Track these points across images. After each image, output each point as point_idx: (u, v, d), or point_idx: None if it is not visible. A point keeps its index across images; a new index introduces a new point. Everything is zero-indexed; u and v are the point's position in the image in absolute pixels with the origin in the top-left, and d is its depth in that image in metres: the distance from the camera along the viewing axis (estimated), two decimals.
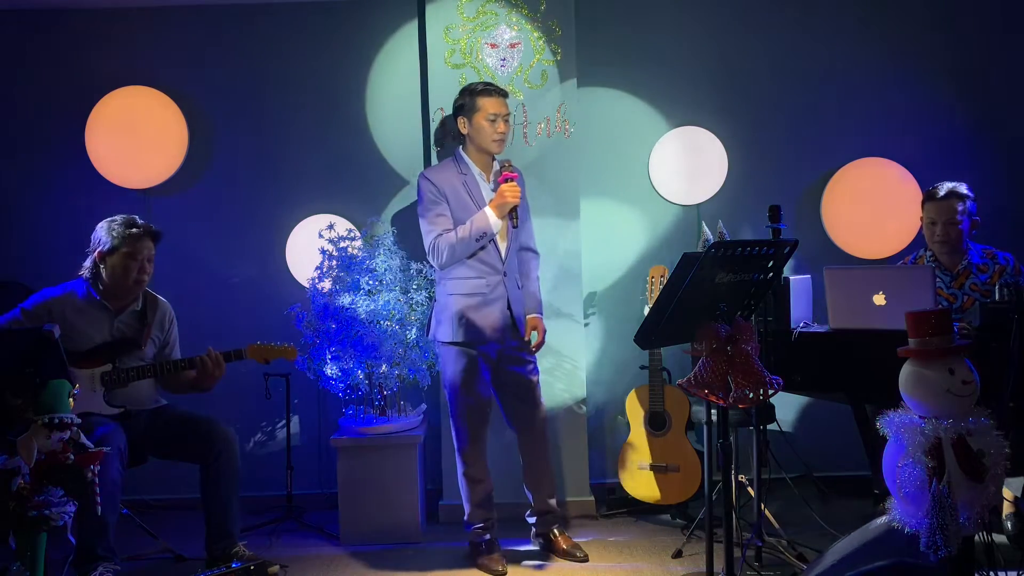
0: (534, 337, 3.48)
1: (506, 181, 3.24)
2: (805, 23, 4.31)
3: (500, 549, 3.40)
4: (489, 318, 3.30)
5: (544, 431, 3.52)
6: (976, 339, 2.69)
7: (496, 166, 3.39)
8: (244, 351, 3.37)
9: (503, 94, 3.39)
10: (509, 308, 3.34)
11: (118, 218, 3.32)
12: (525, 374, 3.43)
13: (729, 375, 2.46)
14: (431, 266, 3.52)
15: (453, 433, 3.44)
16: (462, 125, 3.39)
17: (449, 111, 3.93)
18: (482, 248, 3.29)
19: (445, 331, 3.35)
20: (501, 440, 3.72)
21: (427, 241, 3.32)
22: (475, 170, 3.39)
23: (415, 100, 4.22)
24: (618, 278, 4.25)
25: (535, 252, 3.58)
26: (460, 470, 3.43)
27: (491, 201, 3.29)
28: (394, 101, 4.26)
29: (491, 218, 3.24)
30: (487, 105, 3.32)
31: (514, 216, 3.25)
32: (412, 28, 4.21)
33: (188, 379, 3.40)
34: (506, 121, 3.36)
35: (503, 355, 3.39)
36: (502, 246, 3.35)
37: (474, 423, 3.38)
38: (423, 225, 3.35)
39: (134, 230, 3.28)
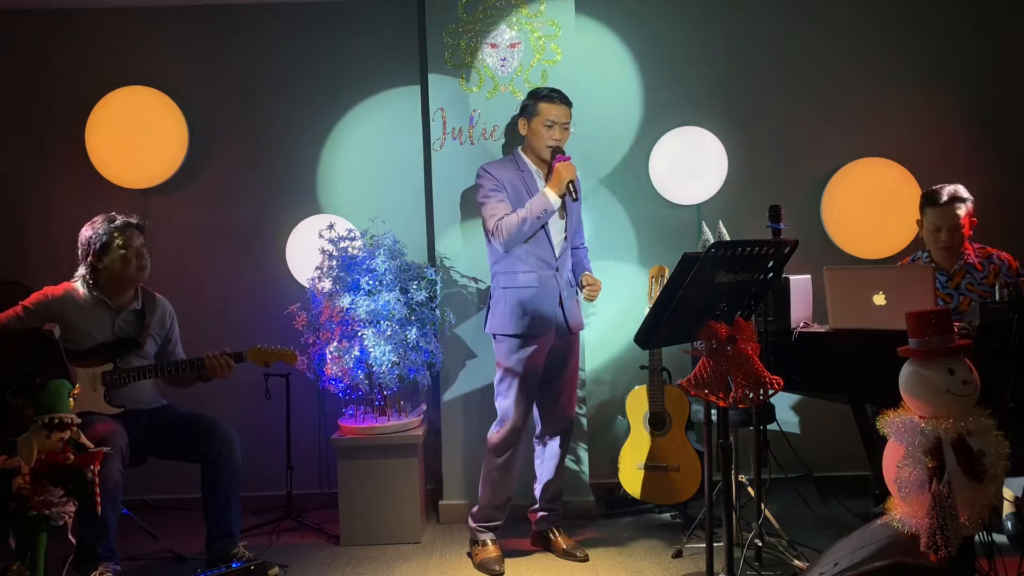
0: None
1: (560, 162, 3.28)
2: (805, 23, 4.31)
3: (500, 549, 3.40)
4: (541, 311, 3.33)
5: (570, 432, 3.54)
6: (976, 339, 2.68)
7: (549, 153, 3.39)
8: (244, 354, 3.37)
9: (566, 102, 3.42)
10: (561, 304, 3.37)
11: (97, 218, 3.36)
12: (567, 373, 3.46)
13: (729, 375, 2.46)
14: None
15: (495, 427, 3.41)
16: (522, 127, 3.45)
17: (448, 111, 3.95)
18: (542, 227, 3.32)
19: (500, 323, 3.37)
20: None
21: (490, 224, 3.35)
22: (532, 168, 3.44)
23: (415, 99, 4.23)
24: (618, 278, 4.25)
25: (585, 247, 3.67)
26: (490, 465, 3.41)
27: (548, 183, 3.31)
28: (394, 101, 4.26)
29: (550, 196, 3.27)
30: (547, 111, 3.36)
31: (571, 190, 3.26)
32: (412, 28, 4.21)
33: (192, 375, 3.41)
34: (564, 129, 3.40)
35: (551, 351, 3.41)
36: (555, 241, 3.38)
37: (521, 419, 3.36)
38: (485, 211, 3.37)
39: (117, 222, 3.33)
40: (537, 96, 3.41)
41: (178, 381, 3.45)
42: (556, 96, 3.40)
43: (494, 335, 3.42)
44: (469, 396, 3.95)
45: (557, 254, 3.38)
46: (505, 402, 3.37)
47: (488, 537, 3.42)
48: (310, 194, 4.27)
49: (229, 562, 3.15)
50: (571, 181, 3.26)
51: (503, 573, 3.29)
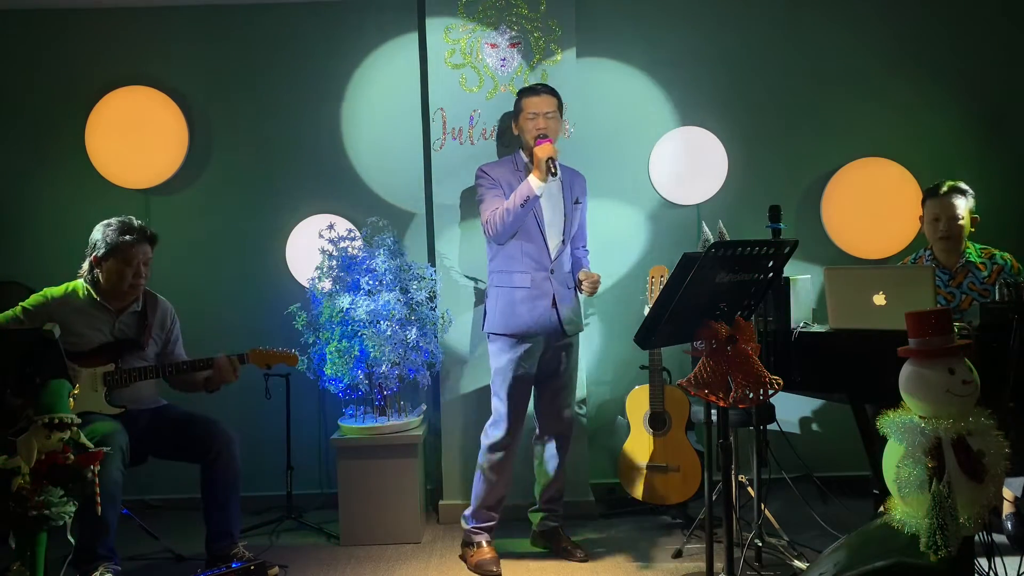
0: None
1: (539, 145, 3.29)
2: (805, 23, 4.31)
3: (495, 550, 3.40)
4: (534, 312, 3.34)
5: (569, 433, 3.54)
6: (976, 339, 2.68)
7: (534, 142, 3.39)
8: (246, 355, 3.37)
9: (548, 92, 3.44)
10: (555, 306, 3.36)
11: (113, 222, 3.29)
12: (564, 374, 3.46)
13: (729, 375, 2.46)
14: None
15: (489, 426, 3.42)
16: (515, 128, 3.49)
17: (448, 111, 3.95)
18: (537, 222, 3.34)
19: (492, 323, 3.41)
20: None
21: (483, 218, 3.39)
22: (530, 166, 3.43)
23: (415, 100, 4.23)
24: (618, 278, 4.25)
25: (586, 249, 3.66)
26: (484, 464, 3.41)
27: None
28: (394, 101, 4.26)
29: (532, 183, 3.27)
30: (528, 104, 3.41)
31: (551, 167, 3.24)
32: (412, 28, 4.21)
33: (198, 379, 3.40)
34: (548, 117, 3.39)
35: (546, 352, 3.41)
36: (552, 243, 3.38)
37: (514, 419, 3.37)
38: (481, 207, 3.42)
39: (127, 237, 3.25)
40: (520, 94, 3.47)
41: (181, 384, 3.44)
42: (538, 88, 3.45)
43: (488, 334, 3.43)
44: (469, 396, 3.95)
45: (553, 256, 3.38)
46: (498, 401, 3.38)
47: (483, 538, 3.41)
48: (310, 194, 4.27)
49: (229, 562, 3.15)
50: (550, 159, 3.25)
51: (500, 573, 3.29)
